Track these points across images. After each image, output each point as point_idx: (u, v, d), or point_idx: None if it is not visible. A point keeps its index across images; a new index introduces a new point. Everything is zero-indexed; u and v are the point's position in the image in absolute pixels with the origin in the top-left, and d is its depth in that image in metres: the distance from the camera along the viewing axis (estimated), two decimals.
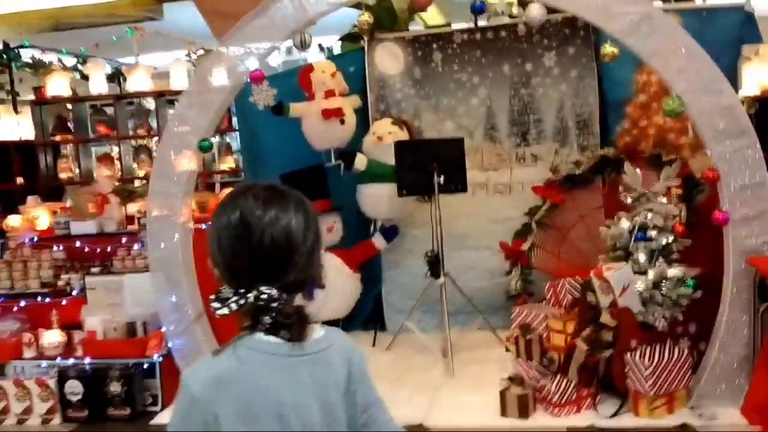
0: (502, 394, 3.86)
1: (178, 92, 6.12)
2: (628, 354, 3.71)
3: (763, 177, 3.59)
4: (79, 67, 6.92)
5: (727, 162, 3.61)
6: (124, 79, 6.56)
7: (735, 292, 3.67)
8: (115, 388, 4.23)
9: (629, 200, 4.13)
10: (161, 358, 4.33)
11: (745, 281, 3.66)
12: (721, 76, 3.65)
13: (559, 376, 3.83)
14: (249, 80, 4.11)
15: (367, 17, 3.90)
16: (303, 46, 3.91)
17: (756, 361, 3.59)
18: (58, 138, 6.20)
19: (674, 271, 3.81)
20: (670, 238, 3.90)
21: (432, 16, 6.76)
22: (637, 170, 4.10)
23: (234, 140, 7.14)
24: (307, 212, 1.51)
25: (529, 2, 3.82)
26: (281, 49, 5.60)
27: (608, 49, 3.72)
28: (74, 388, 4.25)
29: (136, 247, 4.71)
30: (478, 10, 3.90)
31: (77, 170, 6.21)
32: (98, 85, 6.02)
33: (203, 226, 4.68)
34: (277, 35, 4.06)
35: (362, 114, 5.47)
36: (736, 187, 3.61)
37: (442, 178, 4.68)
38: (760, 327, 3.62)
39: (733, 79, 4.22)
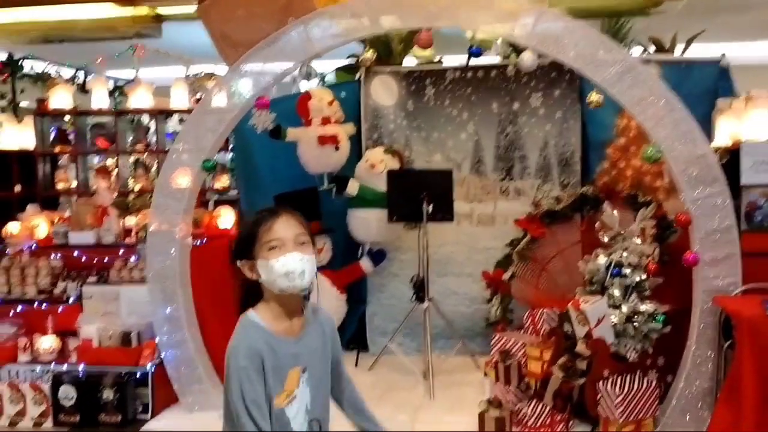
0: (481, 415, 4.07)
1: (178, 111, 6.33)
2: (601, 382, 3.93)
3: (732, 222, 3.86)
4: (77, 80, 7.06)
5: (699, 207, 3.87)
6: (121, 94, 6.74)
7: (701, 329, 3.93)
8: (107, 394, 4.37)
9: (606, 239, 4.39)
10: (154, 368, 4.47)
11: (711, 319, 3.91)
12: (696, 127, 3.93)
13: (535, 401, 4.05)
14: (255, 106, 4.31)
15: (370, 54, 4.14)
16: (308, 77, 4.13)
17: (718, 395, 3.82)
18: (57, 149, 6.35)
19: (646, 307, 4.06)
20: (643, 276, 4.14)
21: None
22: (615, 212, 4.35)
23: (221, 157, 7.32)
24: None
25: (522, 49, 4.08)
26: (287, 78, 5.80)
27: (594, 96, 3.99)
28: (68, 393, 4.39)
29: (132, 259, 4.86)
30: (475, 54, 4.16)
31: (74, 181, 6.36)
32: (100, 100, 6.18)
33: (198, 242, 4.87)
34: (283, 65, 4.29)
35: (356, 141, 5.70)
36: (706, 231, 3.88)
37: (430, 207, 4.92)
38: (723, 362, 3.87)
39: (707, 130, 4.49)
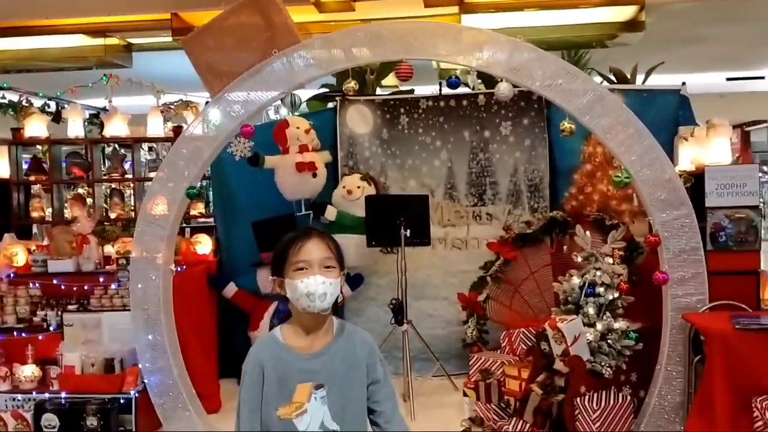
0: None
1: (155, 139, 6.39)
2: (578, 399, 4.08)
3: (698, 243, 4.06)
4: (47, 109, 7.04)
5: (667, 229, 4.08)
6: (92, 124, 6.74)
7: (672, 345, 4.11)
8: (91, 421, 4.37)
9: (579, 259, 4.56)
10: (137, 394, 4.49)
11: (681, 335, 4.09)
12: (663, 153, 4.14)
13: (515, 419, 4.18)
14: (240, 134, 4.41)
15: (353, 84, 4.28)
16: (293, 106, 4.26)
17: (690, 408, 3.99)
18: (33, 178, 6.34)
19: (619, 325, 4.22)
20: (616, 295, 4.32)
21: (389, 79, 7.22)
22: (587, 233, 4.54)
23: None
24: None
25: (492, 79, 4.26)
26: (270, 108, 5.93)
27: (567, 125, 4.17)
28: (50, 421, 4.38)
29: (113, 286, 4.88)
30: (454, 85, 4.34)
31: (49, 210, 6.35)
32: (75, 128, 6.21)
33: (178, 269, 4.92)
34: (267, 94, 4.39)
35: (331, 168, 5.83)
36: (674, 251, 4.08)
37: (408, 231, 5.06)
38: (693, 377, 4.04)
39: (670, 155, 4.72)
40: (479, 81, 6.01)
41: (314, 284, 2.09)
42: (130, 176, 6.49)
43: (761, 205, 4.42)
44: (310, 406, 2.08)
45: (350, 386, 2.17)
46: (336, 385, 2.14)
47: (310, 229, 2.21)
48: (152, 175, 6.16)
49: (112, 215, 6.27)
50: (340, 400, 2.14)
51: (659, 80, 6.46)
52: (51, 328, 4.76)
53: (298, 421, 2.06)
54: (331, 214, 5.47)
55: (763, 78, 10.80)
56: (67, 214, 6.22)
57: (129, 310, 4.58)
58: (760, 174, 4.59)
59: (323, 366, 2.15)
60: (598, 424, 3.98)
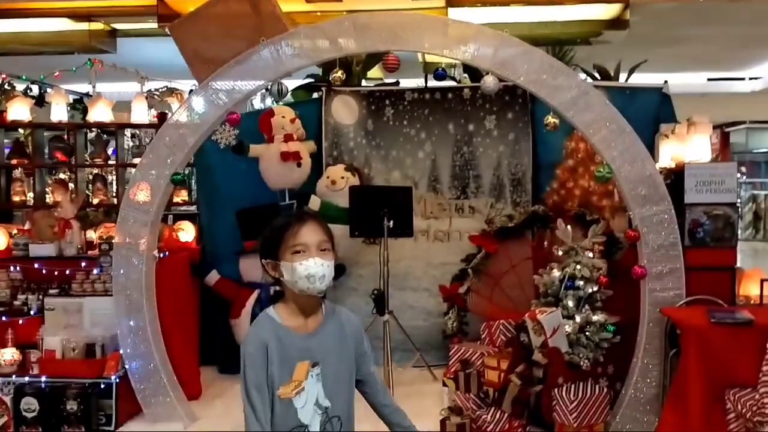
0: (443, 422, 4.23)
1: (138, 125, 6.38)
2: (556, 390, 4.14)
3: (676, 238, 4.15)
4: (29, 93, 7.00)
5: (646, 224, 4.15)
6: (74, 108, 6.72)
7: (648, 339, 4.19)
8: (71, 406, 4.37)
9: (560, 252, 4.62)
10: (118, 379, 4.49)
11: (658, 329, 4.18)
12: (644, 149, 4.22)
13: (494, 408, 4.24)
14: (226, 121, 4.42)
15: (340, 74, 4.31)
16: (280, 95, 4.27)
17: (665, 400, 4.08)
18: (14, 162, 6.30)
19: (597, 318, 4.29)
20: (595, 288, 4.38)
21: (374, 71, 7.25)
22: (568, 227, 4.60)
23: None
24: None
25: (485, 74, 4.30)
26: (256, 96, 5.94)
27: (551, 120, 4.23)
28: (30, 405, 4.37)
29: (95, 271, 4.86)
30: (440, 77, 4.37)
31: (30, 194, 6.32)
32: (59, 113, 6.18)
33: (161, 255, 4.92)
34: (253, 83, 4.41)
35: (315, 159, 5.84)
36: (653, 246, 4.15)
37: (391, 223, 5.10)
38: (669, 370, 4.13)
39: (651, 152, 4.80)
40: (465, 75, 6.10)
41: (314, 266, 2.14)
42: (113, 162, 6.47)
43: (738, 203, 4.50)
44: (307, 383, 2.15)
45: (340, 363, 2.25)
46: (329, 362, 2.21)
47: (304, 213, 2.26)
48: (136, 161, 6.16)
49: (95, 201, 6.25)
50: (332, 377, 2.21)
51: (642, 79, 6.54)
52: (31, 312, 4.74)
53: (296, 399, 2.14)
54: (314, 203, 5.48)
55: (743, 79, 10.97)
56: (49, 198, 6.18)
57: (111, 295, 4.60)
58: (738, 174, 4.66)
59: (318, 345, 2.21)
60: (574, 414, 4.04)
